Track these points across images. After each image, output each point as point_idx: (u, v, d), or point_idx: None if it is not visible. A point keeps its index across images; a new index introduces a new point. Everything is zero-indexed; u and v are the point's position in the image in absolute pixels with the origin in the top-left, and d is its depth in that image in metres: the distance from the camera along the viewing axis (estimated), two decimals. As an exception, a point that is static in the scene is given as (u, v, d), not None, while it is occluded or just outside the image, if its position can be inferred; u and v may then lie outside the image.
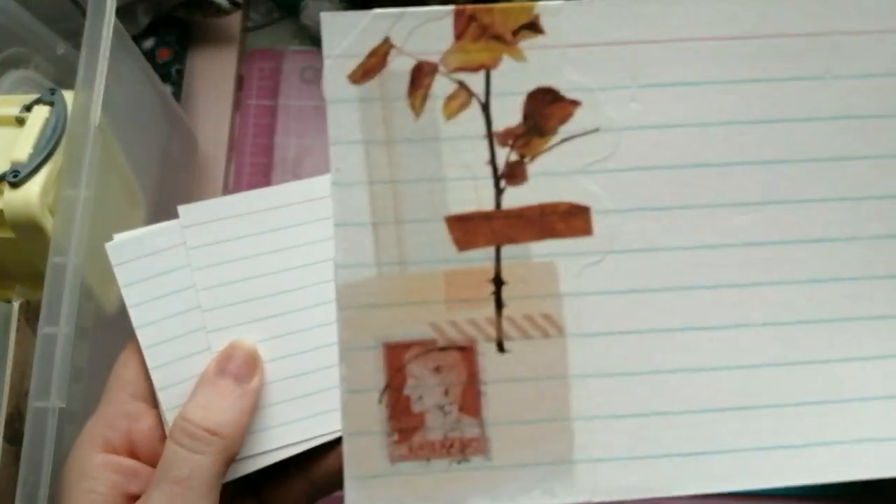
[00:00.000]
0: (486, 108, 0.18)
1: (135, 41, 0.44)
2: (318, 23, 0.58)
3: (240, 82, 0.61)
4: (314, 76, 0.60)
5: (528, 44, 0.18)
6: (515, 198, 0.18)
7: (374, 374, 0.20)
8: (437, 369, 0.19)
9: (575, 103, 0.18)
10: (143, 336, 0.29)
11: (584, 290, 0.18)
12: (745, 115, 0.18)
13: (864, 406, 0.20)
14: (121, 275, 0.29)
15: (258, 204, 0.29)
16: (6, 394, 0.35)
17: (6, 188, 0.35)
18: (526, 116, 0.18)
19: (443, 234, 0.19)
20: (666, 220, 0.18)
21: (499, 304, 0.18)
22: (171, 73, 0.58)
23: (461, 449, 0.19)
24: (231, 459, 0.27)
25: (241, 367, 0.28)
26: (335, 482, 0.30)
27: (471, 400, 0.19)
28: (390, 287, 0.20)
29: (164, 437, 0.28)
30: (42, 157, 0.36)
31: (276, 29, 0.63)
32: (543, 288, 0.18)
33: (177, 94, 0.58)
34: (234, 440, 0.27)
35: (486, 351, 0.19)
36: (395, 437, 0.20)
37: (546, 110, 0.18)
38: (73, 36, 0.49)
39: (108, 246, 0.29)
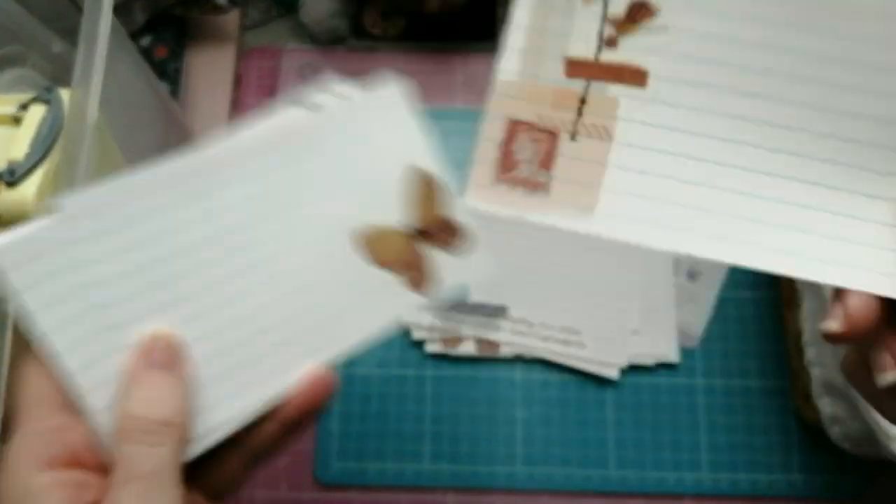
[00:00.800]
0: (605, 3, 0.30)
1: (132, 39, 0.43)
2: (316, 21, 0.58)
3: (238, 80, 0.60)
4: (313, 74, 0.60)
5: None
6: (608, 55, 0.30)
7: (500, 133, 0.31)
8: (534, 140, 0.31)
9: (654, 11, 0.29)
10: (54, 341, 0.26)
11: (632, 118, 0.30)
12: (768, 39, 0.29)
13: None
14: (16, 280, 0.26)
15: (140, 187, 0.28)
16: (4, 395, 0.35)
17: (2, 187, 0.35)
18: (627, 12, 0.30)
19: (561, 67, 0.31)
20: (696, 92, 0.30)
21: (579, 113, 0.31)
22: (169, 71, 0.58)
23: (535, 186, 0.31)
24: (186, 445, 0.27)
25: (166, 355, 0.27)
26: (273, 449, 0.31)
27: (547, 161, 0.31)
28: (523, 88, 0.31)
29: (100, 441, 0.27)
30: (39, 155, 0.36)
31: (274, 27, 0.62)
32: (608, 112, 0.30)
33: (174, 93, 0.58)
34: (185, 426, 0.27)
35: (565, 138, 0.31)
36: (501, 167, 0.31)
37: (639, 12, 0.30)
38: (70, 34, 0.48)
39: None
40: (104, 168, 0.39)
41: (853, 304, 0.27)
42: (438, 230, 0.34)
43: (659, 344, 0.51)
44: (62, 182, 0.35)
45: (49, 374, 0.26)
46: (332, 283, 0.31)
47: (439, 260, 0.33)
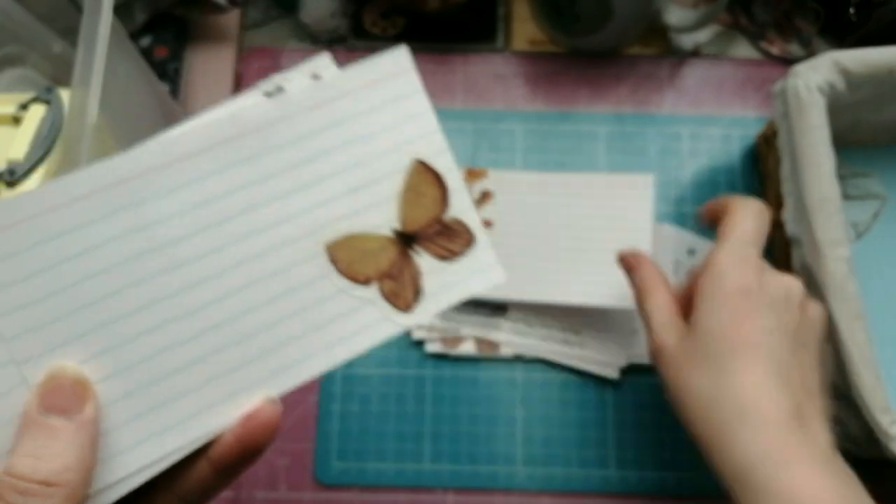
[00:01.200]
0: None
1: (132, 39, 0.43)
2: (316, 20, 0.58)
3: (238, 80, 0.60)
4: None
5: None
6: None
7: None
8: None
9: None
10: None
11: None
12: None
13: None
14: None
15: (44, 203, 0.24)
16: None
17: (3, 187, 0.35)
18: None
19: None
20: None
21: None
22: (169, 71, 0.58)
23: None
24: (80, 501, 0.23)
25: (68, 397, 0.24)
26: (206, 495, 0.27)
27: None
28: None
29: None
30: (39, 155, 0.36)
31: (274, 27, 0.62)
32: None
33: (174, 92, 0.58)
34: (77, 484, 0.23)
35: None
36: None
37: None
38: (70, 34, 0.48)
39: None
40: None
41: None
42: (436, 234, 0.28)
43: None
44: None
45: None
46: (289, 301, 0.27)
47: (433, 271, 0.28)
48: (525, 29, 0.61)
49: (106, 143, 0.39)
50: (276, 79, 0.27)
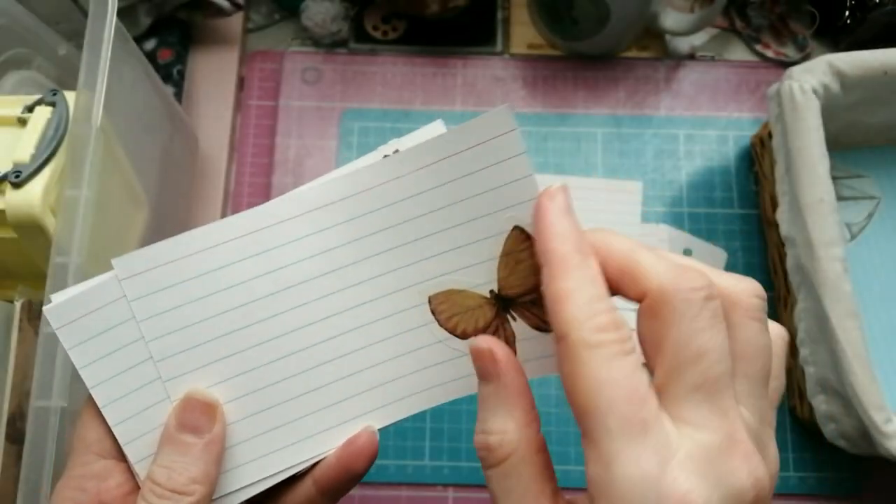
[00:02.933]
0: None
1: (136, 42, 0.44)
2: (318, 24, 0.59)
3: (241, 83, 0.61)
4: (315, 77, 0.60)
5: None
6: None
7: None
8: None
9: None
10: (98, 395, 0.28)
11: None
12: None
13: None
14: (64, 337, 0.28)
15: (194, 245, 0.28)
16: (8, 393, 0.35)
17: (8, 188, 0.35)
18: None
19: None
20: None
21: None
22: (173, 74, 0.58)
23: None
24: None
25: (199, 417, 0.28)
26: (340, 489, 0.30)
27: None
28: None
29: (134, 490, 0.28)
30: (44, 157, 0.36)
31: (277, 30, 0.63)
32: None
33: (178, 95, 0.58)
34: (203, 494, 0.27)
35: None
36: None
37: None
38: (75, 37, 0.49)
39: (46, 310, 0.28)
40: (108, 170, 0.39)
41: None
42: (531, 303, 0.27)
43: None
44: (67, 184, 0.35)
45: (101, 422, 0.28)
46: (394, 345, 0.29)
47: (528, 338, 0.28)
48: (524, 33, 0.61)
49: (110, 146, 0.39)
50: (394, 143, 0.29)
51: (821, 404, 0.45)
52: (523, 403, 0.25)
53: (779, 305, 0.52)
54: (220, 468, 0.28)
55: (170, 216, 0.51)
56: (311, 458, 0.29)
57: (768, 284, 0.53)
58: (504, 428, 0.25)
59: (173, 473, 0.27)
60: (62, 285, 0.34)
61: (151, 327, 0.28)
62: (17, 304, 0.36)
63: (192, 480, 0.27)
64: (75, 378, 0.34)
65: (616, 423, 0.21)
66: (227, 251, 0.28)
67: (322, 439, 0.29)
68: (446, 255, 0.27)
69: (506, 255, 0.27)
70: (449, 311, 0.28)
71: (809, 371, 0.45)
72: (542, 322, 0.27)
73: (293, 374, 0.29)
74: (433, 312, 0.28)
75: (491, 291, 0.28)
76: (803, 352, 0.46)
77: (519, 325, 0.28)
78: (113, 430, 0.28)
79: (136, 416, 0.28)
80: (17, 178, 0.35)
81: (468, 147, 0.26)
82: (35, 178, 0.36)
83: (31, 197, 0.35)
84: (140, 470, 0.28)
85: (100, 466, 0.28)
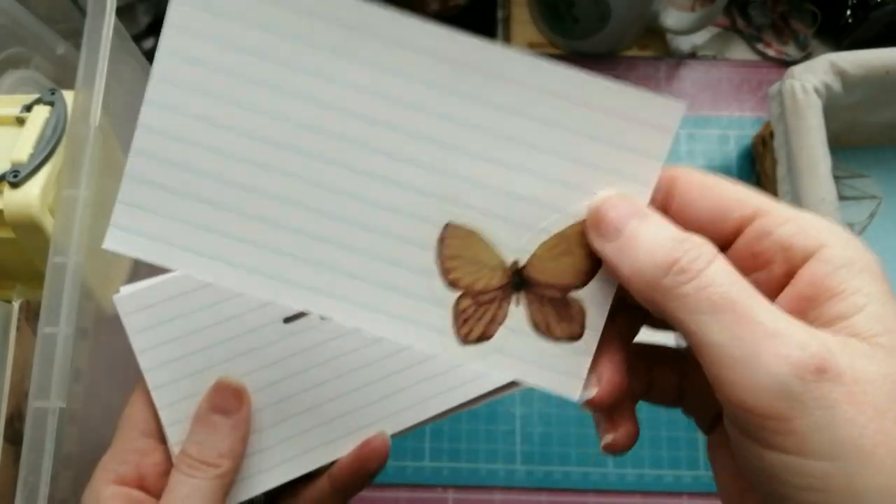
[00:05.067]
0: None
1: (135, 41, 0.44)
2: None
3: (240, 82, 0.61)
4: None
5: None
6: None
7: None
8: None
9: None
10: (151, 378, 0.31)
11: None
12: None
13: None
14: (129, 324, 0.31)
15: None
16: (6, 394, 0.35)
17: (6, 188, 0.35)
18: None
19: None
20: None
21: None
22: (172, 73, 0.58)
23: None
24: (229, 482, 0.30)
25: (229, 400, 0.30)
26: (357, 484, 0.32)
27: None
28: None
29: (170, 471, 0.31)
30: (42, 157, 0.36)
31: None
32: None
33: (177, 94, 0.58)
34: (228, 468, 0.30)
35: None
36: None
37: None
38: (74, 36, 0.49)
39: (116, 298, 0.31)
40: (107, 169, 0.39)
41: (606, 374, 0.24)
42: (549, 300, 0.24)
43: (657, 342, 0.51)
44: (65, 183, 0.35)
45: (148, 404, 0.31)
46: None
47: (517, 331, 0.24)
48: (524, 31, 0.61)
49: (109, 145, 0.39)
50: None
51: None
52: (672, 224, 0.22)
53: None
54: (245, 447, 0.30)
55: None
56: (328, 457, 0.31)
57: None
58: (693, 238, 0.21)
59: (203, 448, 0.29)
60: (60, 285, 0.33)
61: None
62: (16, 305, 0.36)
63: (219, 455, 0.29)
64: (73, 379, 0.34)
65: None
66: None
67: (341, 443, 0.31)
68: (508, 190, 0.23)
69: (562, 238, 0.23)
70: (457, 251, 0.24)
71: (811, 371, 0.45)
72: (545, 324, 0.24)
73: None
74: (440, 240, 0.24)
75: (515, 262, 0.24)
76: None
77: (517, 313, 0.24)
78: (159, 411, 0.31)
79: (181, 400, 0.31)
80: (16, 178, 0.35)
81: (614, 111, 0.23)
82: (33, 178, 0.36)
83: (30, 197, 0.35)
84: (178, 451, 0.30)
85: (143, 444, 0.31)
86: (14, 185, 0.35)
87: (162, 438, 0.31)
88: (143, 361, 0.31)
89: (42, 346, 0.33)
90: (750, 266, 0.22)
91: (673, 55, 0.61)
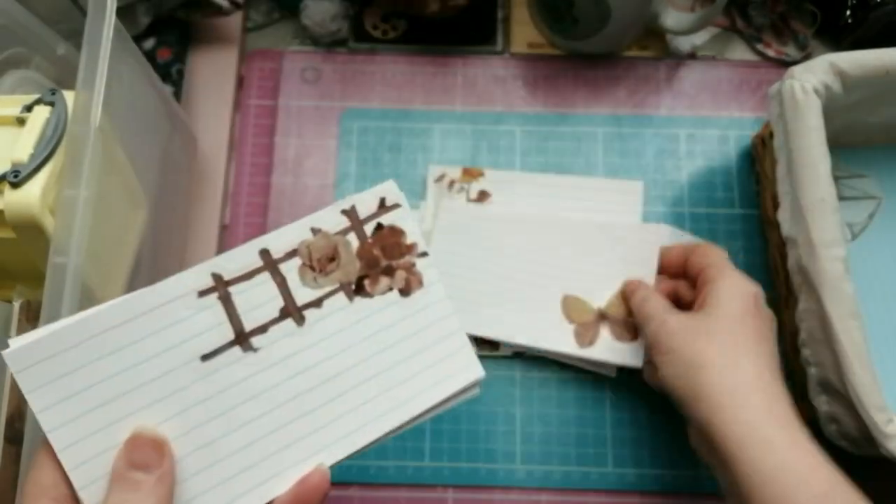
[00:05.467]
0: None
1: (135, 41, 0.44)
2: (317, 23, 0.59)
3: (240, 82, 0.61)
4: (314, 76, 0.60)
5: None
6: None
7: None
8: None
9: None
10: (56, 439, 0.28)
11: None
12: None
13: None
14: (23, 381, 0.28)
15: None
16: (7, 394, 0.35)
17: (7, 188, 0.35)
18: None
19: None
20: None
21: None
22: (172, 73, 0.58)
23: None
24: None
25: (149, 454, 0.28)
26: None
27: None
28: None
29: None
30: (43, 157, 0.36)
31: (276, 29, 0.63)
32: None
33: (177, 94, 0.58)
34: None
35: None
36: None
37: None
38: (74, 36, 0.49)
39: (5, 354, 0.28)
40: (107, 169, 0.39)
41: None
42: (619, 322, 0.50)
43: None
44: (66, 183, 0.35)
45: (56, 466, 0.28)
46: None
47: (609, 341, 0.50)
48: (524, 32, 0.61)
49: (109, 145, 0.39)
50: (350, 199, 0.33)
51: (822, 405, 0.45)
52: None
53: (780, 306, 0.51)
54: (172, 502, 0.29)
55: (169, 216, 0.51)
56: (265, 500, 0.30)
57: (769, 284, 0.53)
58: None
59: None
60: (61, 285, 0.34)
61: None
62: (16, 305, 0.36)
63: None
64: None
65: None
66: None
67: (275, 482, 0.30)
68: (590, 277, 0.51)
69: (615, 297, 0.50)
70: (569, 306, 0.51)
71: (811, 372, 0.45)
72: (619, 336, 0.50)
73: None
74: (562, 301, 0.51)
75: (599, 308, 0.50)
76: (805, 352, 0.46)
77: (604, 332, 0.50)
78: (69, 474, 0.28)
79: (92, 459, 0.28)
80: (16, 178, 0.35)
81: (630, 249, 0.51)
82: (34, 178, 0.36)
83: (30, 197, 0.35)
84: None
85: None
86: (14, 186, 0.35)
87: (75, 501, 0.28)
88: (45, 422, 0.28)
89: (42, 346, 0.33)
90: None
91: (673, 55, 0.61)
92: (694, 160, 0.58)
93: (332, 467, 0.31)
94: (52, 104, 0.38)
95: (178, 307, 0.30)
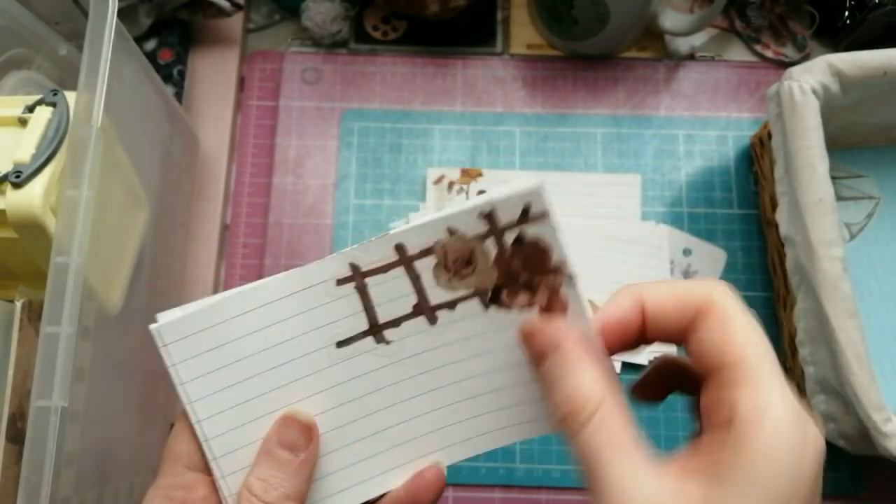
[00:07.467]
0: None
1: (137, 42, 0.44)
2: (318, 24, 0.59)
3: (241, 83, 0.61)
4: (315, 77, 0.60)
5: None
6: None
7: None
8: None
9: None
10: (195, 410, 0.30)
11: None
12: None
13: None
14: (169, 354, 0.29)
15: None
16: (8, 393, 0.35)
17: (9, 189, 0.35)
18: None
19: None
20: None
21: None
22: (173, 74, 0.58)
23: None
24: None
25: (297, 436, 0.29)
26: None
27: None
28: None
29: None
30: (44, 157, 0.36)
31: (277, 30, 0.63)
32: None
33: (178, 95, 0.58)
34: None
35: None
36: None
37: None
38: (76, 37, 0.49)
39: (153, 328, 0.29)
40: (109, 170, 0.39)
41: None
42: None
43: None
44: (67, 184, 0.35)
45: (191, 437, 0.30)
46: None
47: None
48: (524, 33, 0.61)
49: (111, 146, 0.39)
50: (490, 200, 0.29)
51: (820, 404, 0.45)
52: (595, 359, 0.27)
53: (778, 305, 0.52)
54: (309, 486, 0.29)
55: (170, 216, 0.51)
56: (383, 490, 0.31)
57: (768, 284, 0.53)
58: (584, 382, 0.26)
59: (269, 487, 0.28)
60: (62, 285, 0.34)
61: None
62: (18, 304, 0.36)
63: (286, 496, 0.28)
64: (76, 378, 0.34)
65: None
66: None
67: (393, 474, 0.31)
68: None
69: None
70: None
71: (809, 371, 0.45)
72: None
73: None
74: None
75: None
76: (803, 352, 0.46)
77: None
78: (207, 443, 0.30)
79: (231, 431, 0.30)
80: (18, 179, 0.35)
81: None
82: (35, 179, 0.36)
83: (32, 197, 0.35)
84: (225, 485, 0.30)
85: (188, 478, 0.29)
86: (16, 186, 0.35)
87: (208, 470, 0.30)
88: (186, 394, 0.30)
89: (44, 346, 0.33)
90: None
91: (671, 56, 0.61)
92: (692, 160, 0.58)
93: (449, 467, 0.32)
94: (53, 105, 0.38)
95: (319, 292, 0.30)
